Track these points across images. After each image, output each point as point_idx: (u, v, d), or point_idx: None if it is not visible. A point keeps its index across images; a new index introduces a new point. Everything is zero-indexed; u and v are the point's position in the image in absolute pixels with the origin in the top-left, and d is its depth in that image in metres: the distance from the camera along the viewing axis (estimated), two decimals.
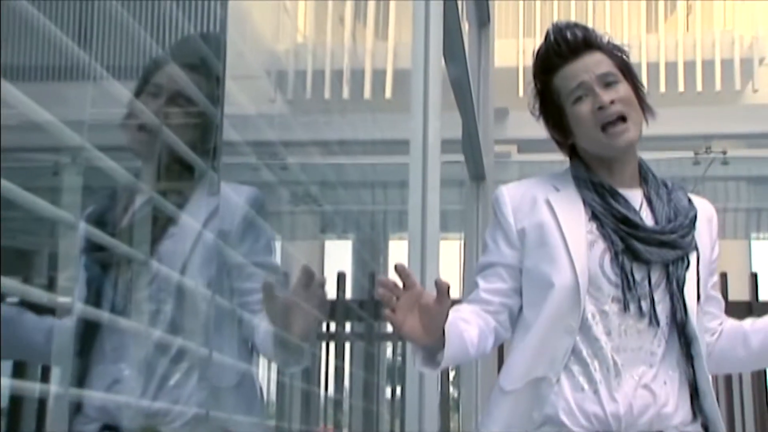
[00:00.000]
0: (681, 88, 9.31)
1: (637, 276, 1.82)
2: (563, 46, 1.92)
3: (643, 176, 1.96)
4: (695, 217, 1.92)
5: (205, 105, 1.25)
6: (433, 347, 1.68)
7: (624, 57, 1.96)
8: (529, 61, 2.01)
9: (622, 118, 1.86)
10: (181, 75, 1.60)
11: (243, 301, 1.79)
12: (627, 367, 1.81)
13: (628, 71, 1.93)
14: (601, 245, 1.84)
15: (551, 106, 1.95)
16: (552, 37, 1.94)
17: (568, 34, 1.92)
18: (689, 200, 1.96)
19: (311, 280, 1.55)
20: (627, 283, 1.81)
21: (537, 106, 2.00)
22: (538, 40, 1.98)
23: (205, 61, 1.39)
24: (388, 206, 8.57)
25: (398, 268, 1.58)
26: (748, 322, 1.99)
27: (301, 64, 8.99)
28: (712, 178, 8.48)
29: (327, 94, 8.93)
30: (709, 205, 2.02)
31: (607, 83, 1.88)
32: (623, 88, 1.88)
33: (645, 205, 1.91)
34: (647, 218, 1.89)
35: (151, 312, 1.68)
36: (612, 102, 1.85)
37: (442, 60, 2.22)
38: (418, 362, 1.71)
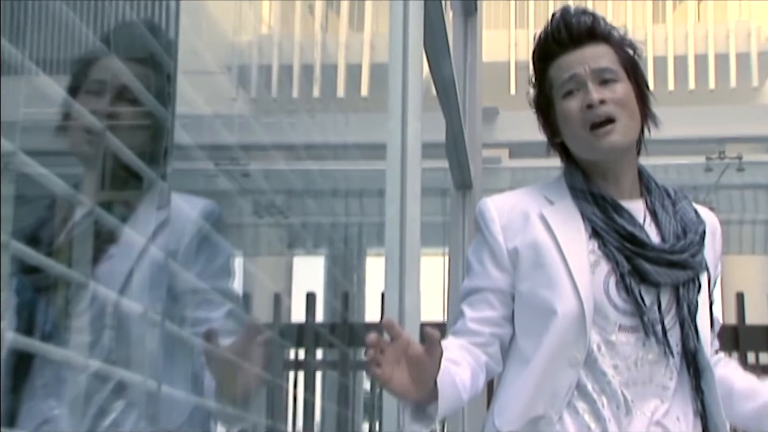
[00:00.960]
0: (692, 85, 9.38)
1: (647, 300, 1.80)
2: (564, 33, 1.90)
3: (645, 185, 1.95)
4: (704, 232, 1.91)
5: (153, 104, 1.24)
6: (423, 399, 1.65)
7: (634, 55, 1.94)
8: (522, 55, 2.02)
9: (611, 120, 1.83)
10: (125, 69, 1.58)
11: (194, 332, 1.77)
12: (638, 403, 1.80)
13: (634, 71, 1.91)
14: (604, 267, 1.82)
15: (543, 98, 1.95)
16: (555, 22, 1.93)
17: (573, 21, 1.91)
18: (695, 212, 1.95)
19: (255, 336, 1.54)
20: (642, 309, 1.79)
21: (533, 98, 1.99)
22: (532, 32, 1.97)
23: (154, 54, 1.37)
24: (363, 218, 8.56)
25: (385, 324, 1.55)
26: (740, 376, 1.99)
27: (265, 58, 8.98)
28: (727, 186, 8.52)
29: (295, 93, 8.93)
30: (712, 217, 2.00)
31: (604, 80, 1.86)
32: (621, 89, 1.86)
33: (649, 218, 1.90)
34: (652, 234, 1.87)
35: (86, 343, 1.66)
36: (602, 101, 1.83)
37: (424, 54, 2.21)
38: (407, 419, 1.68)
